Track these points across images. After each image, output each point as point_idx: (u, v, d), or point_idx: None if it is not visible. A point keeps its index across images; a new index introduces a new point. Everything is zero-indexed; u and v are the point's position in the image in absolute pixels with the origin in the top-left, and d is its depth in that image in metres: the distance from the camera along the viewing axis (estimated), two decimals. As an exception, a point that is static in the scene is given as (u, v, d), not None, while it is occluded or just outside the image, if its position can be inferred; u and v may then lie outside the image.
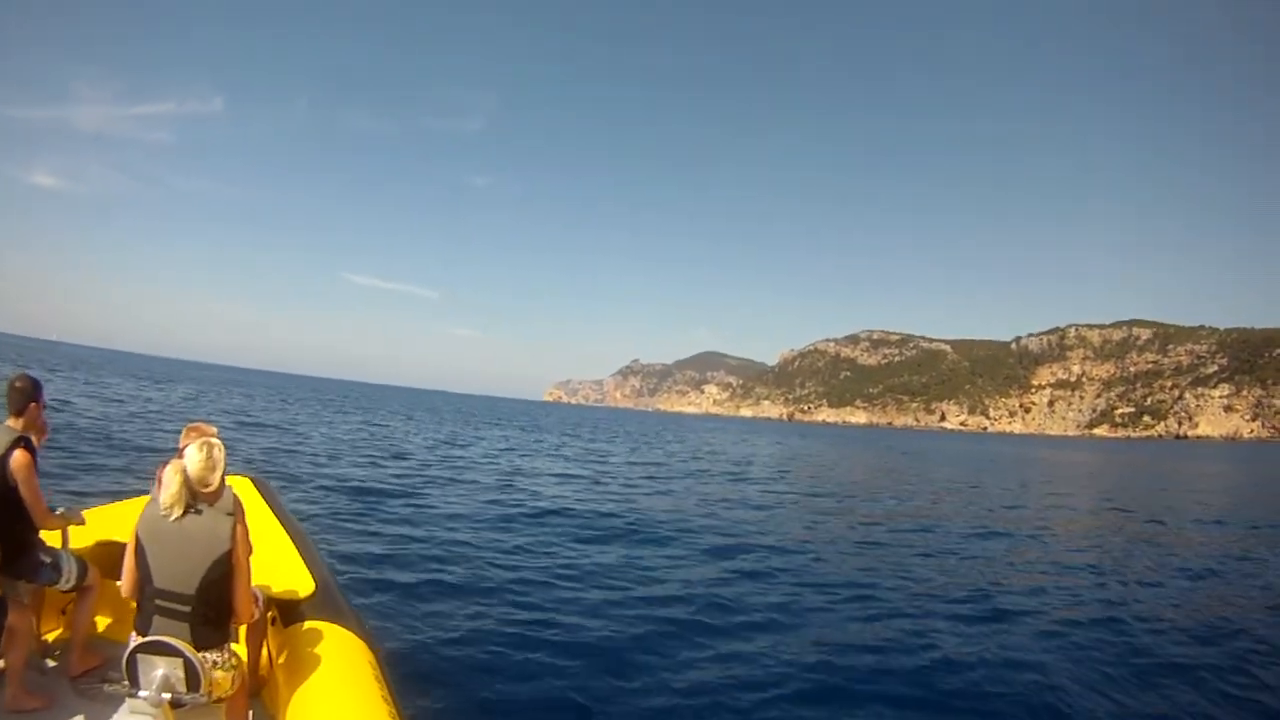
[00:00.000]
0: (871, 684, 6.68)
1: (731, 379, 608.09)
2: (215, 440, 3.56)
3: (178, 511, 3.26)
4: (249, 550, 3.50)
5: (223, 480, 3.50)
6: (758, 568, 11.15)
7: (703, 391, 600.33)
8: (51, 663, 4.45)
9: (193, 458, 3.39)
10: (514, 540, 11.82)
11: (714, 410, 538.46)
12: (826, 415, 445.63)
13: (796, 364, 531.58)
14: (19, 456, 4.00)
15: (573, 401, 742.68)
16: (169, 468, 3.40)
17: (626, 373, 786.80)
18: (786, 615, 8.70)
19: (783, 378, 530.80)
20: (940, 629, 8.40)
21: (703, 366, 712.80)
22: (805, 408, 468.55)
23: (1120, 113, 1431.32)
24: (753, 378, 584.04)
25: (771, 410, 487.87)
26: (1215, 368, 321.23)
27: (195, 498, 3.34)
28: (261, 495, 5.68)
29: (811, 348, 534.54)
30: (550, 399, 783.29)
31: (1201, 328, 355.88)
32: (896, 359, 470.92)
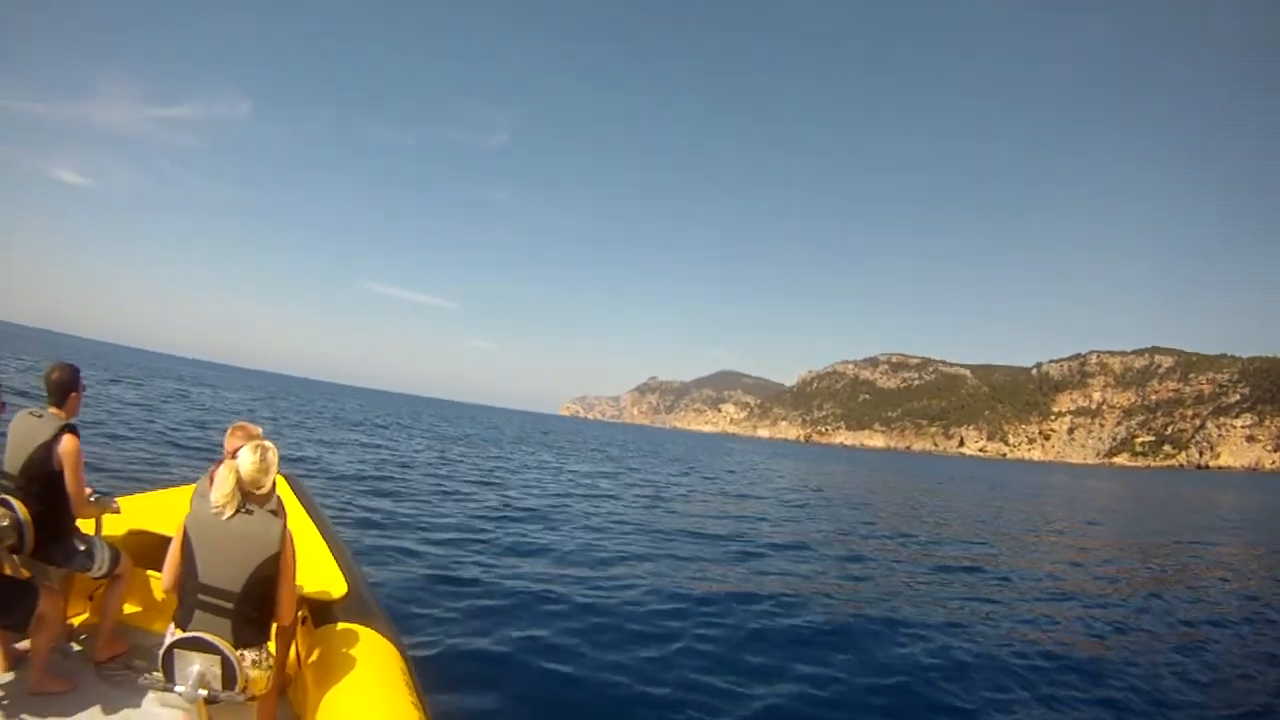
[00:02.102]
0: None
1: (749, 398, 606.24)
2: (268, 443, 3.59)
3: (229, 511, 3.29)
4: (293, 554, 3.51)
5: (274, 483, 3.57)
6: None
7: (720, 410, 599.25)
8: (77, 647, 4.49)
9: (246, 459, 3.42)
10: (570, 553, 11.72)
11: (730, 429, 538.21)
12: (844, 438, 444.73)
13: (815, 385, 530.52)
14: (68, 442, 4.06)
15: (589, 417, 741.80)
16: (222, 467, 3.45)
17: (644, 389, 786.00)
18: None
19: (801, 399, 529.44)
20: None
21: (720, 385, 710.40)
22: (823, 429, 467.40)
23: (1145, 140, 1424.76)
24: (770, 398, 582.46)
25: (789, 431, 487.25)
26: (1237, 397, 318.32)
27: (247, 498, 3.38)
28: (296, 494, 5.66)
29: (830, 369, 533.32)
30: (566, 413, 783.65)
31: (1224, 356, 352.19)
32: (916, 382, 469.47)
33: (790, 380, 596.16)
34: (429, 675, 4.57)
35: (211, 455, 12.89)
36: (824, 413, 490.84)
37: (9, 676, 4.03)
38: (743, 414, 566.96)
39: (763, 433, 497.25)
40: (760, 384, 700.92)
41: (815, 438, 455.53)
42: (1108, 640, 9.30)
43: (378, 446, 28.46)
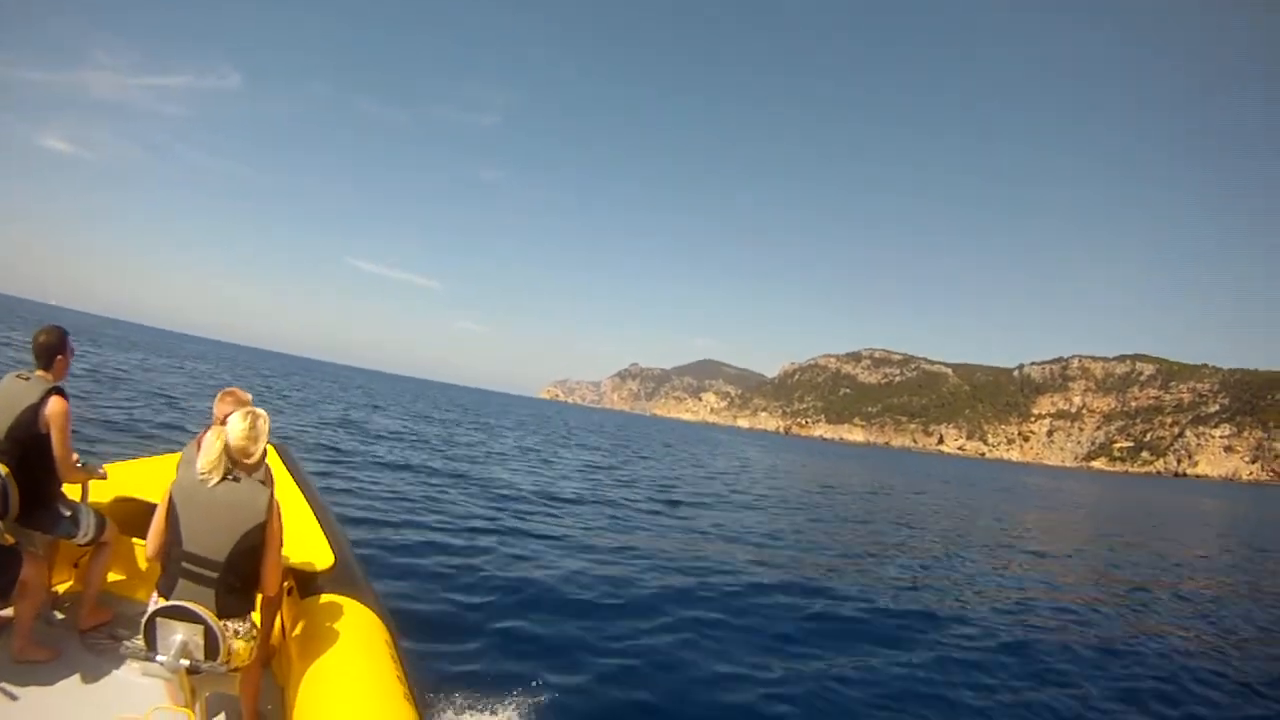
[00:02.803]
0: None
1: (730, 388, 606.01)
2: (259, 410, 3.51)
3: (216, 478, 3.22)
4: (280, 525, 3.43)
5: (264, 452, 3.48)
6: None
7: (700, 399, 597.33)
8: (60, 615, 4.42)
9: (236, 426, 3.34)
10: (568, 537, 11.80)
11: (711, 419, 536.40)
12: (824, 431, 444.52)
13: (796, 377, 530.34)
14: (55, 404, 3.98)
15: (570, 401, 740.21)
16: (210, 433, 3.38)
17: (625, 375, 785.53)
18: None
19: (782, 390, 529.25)
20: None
21: (701, 374, 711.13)
22: (803, 422, 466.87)
23: (1140, 148, 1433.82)
24: (751, 388, 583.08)
25: (769, 422, 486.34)
26: (1216, 407, 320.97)
27: (235, 466, 3.30)
28: (285, 464, 5.55)
29: (812, 362, 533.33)
30: (547, 396, 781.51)
31: (1204, 366, 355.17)
32: (897, 379, 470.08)
33: (772, 372, 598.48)
34: (414, 648, 4.59)
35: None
36: (804, 405, 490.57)
37: None
38: (723, 404, 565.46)
39: (743, 423, 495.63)
40: (741, 374, 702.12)
41: (795, 430, 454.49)
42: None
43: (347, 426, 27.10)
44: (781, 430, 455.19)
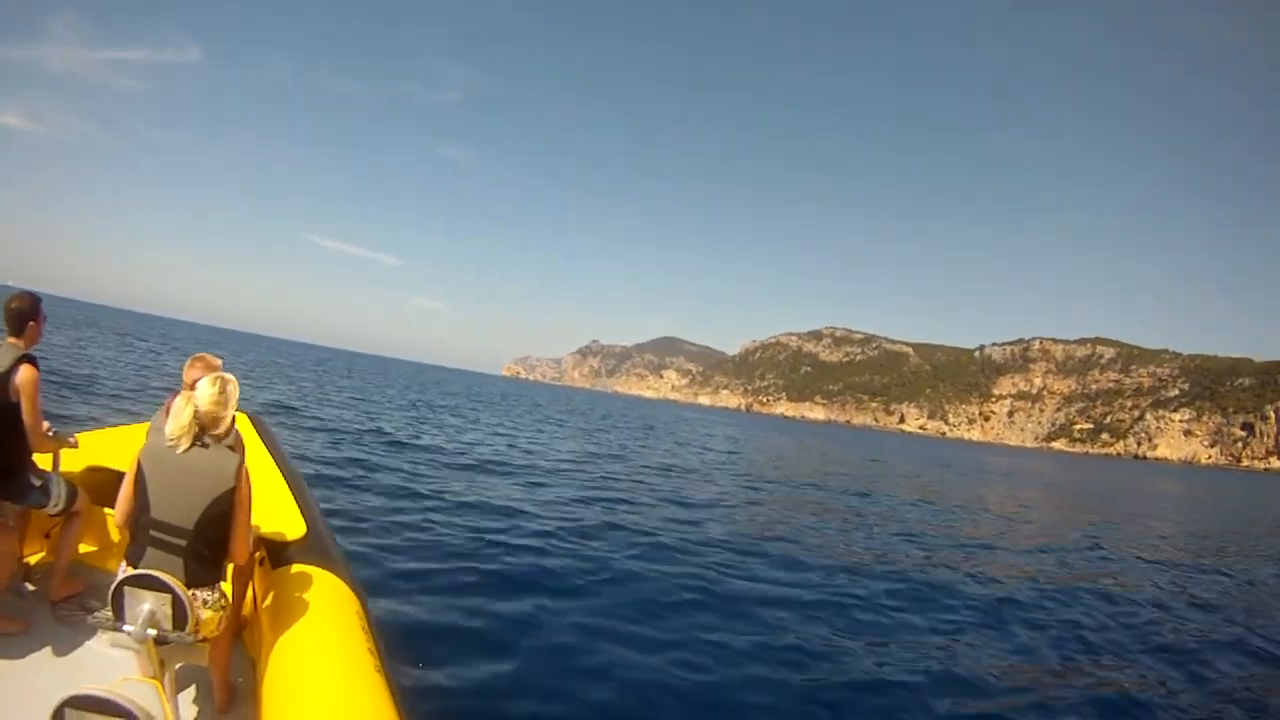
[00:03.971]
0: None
1: (691, 366, 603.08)
2: (228, 376, 3.42)
3: (185, 444, 3.15)
4: (249, 492, 3.38)
5: (233, 418, 3.39)
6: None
7: (662, 376, 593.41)
8: (31, 587, 4.37)
9: (204, 392, 3.25)
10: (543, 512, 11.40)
11: (672, 396, 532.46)
12: (785, 409, 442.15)
13: (757, 355, 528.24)
14: (25, 372, 3.89)
15: (531, 378, 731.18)
16: (179, 398, 3.28)
17: (585, 353, 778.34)
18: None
19: (743, 368, 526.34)
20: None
21: (662, 351, 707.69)
22: (764, 399, 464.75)
23: (1105, 135, 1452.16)
24: (712, 366, 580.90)
25: (730, 400, 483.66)
26: (1176, 391, 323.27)
27: (204, 432, 3.23)
28: (259, 434, 5.53)
29: (773, 340, 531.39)
30: (509, 374, 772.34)
31: (1165, 351, 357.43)
32: (859, 357, 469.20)
33: (733, 349, 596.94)
34: (385, 620, 4.65)
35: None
36: (765, 383, 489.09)
37: None
38: (684, 381, 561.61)
39: (704, 400, 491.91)
40: (703, 352, 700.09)
41: (756, 407, 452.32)
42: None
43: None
44: (743, 408, 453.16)
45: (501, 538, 9.12)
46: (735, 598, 7.96)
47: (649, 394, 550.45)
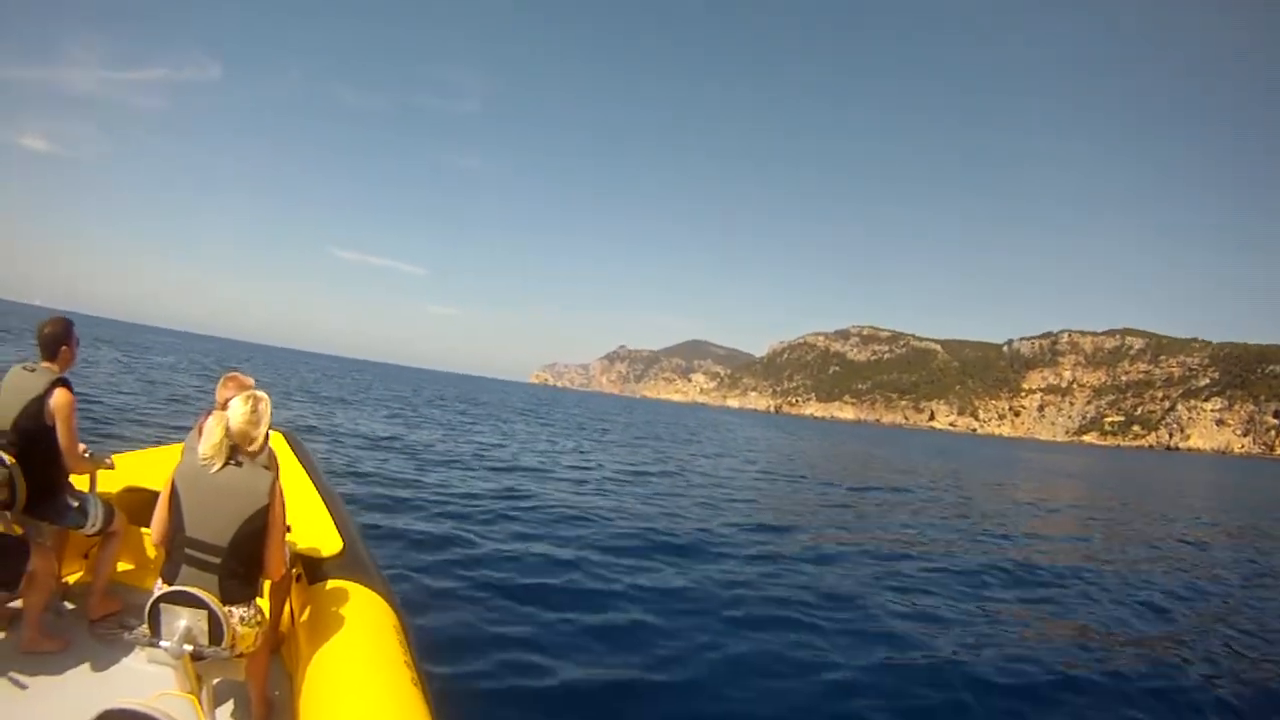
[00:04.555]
0: None
1: (719, 368, 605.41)
2: (260, 394, 3.49)
3: (218, 463, 3.21)
4: (283, 509, 3.42)
5: (266, 436, 3.45)
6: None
7: (690, 380, 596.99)
8: (70, 605, 4.42)
9: (237, 411, 3.32)
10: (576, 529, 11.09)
11: (700, 399, 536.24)
12: (815, 409, 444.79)
13: (785, 356, 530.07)
14: (60, 395, 3.98)
15: (559, 385, 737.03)
16: (212, 418, 3.34)
17: (613, 358, 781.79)
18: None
19: (771, 369, 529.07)
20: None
21: (690, 355, 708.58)
22: (793, 400, 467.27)
23: (1125, 126, 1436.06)
24: (740, 368, 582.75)
25: (759, 402, 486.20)
26: (1207, 381, 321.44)
27: (237, 451, 3.28)
28: (294, 450, 5.54)
29: (800, 340, 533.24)
30: (537, 381, 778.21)
31: (1194, 340, 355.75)
32: (887, 356, 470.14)
33: (760, 351, 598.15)
34: (423, 635, 4.60)
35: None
36: (794, 384, 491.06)
37: (2, 635, 3.98)
38: (713, 384, 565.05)
39: (733, 403, 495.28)
40: (730, 354, 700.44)
41: (785, 409, 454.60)
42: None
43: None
44: (772, 409, 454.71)
45: (559, 552, 9.22)
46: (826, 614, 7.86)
47: (677, 398, 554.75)
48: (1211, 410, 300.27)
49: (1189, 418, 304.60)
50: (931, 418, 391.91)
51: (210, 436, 3.23)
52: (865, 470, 30.86)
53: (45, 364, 4.10)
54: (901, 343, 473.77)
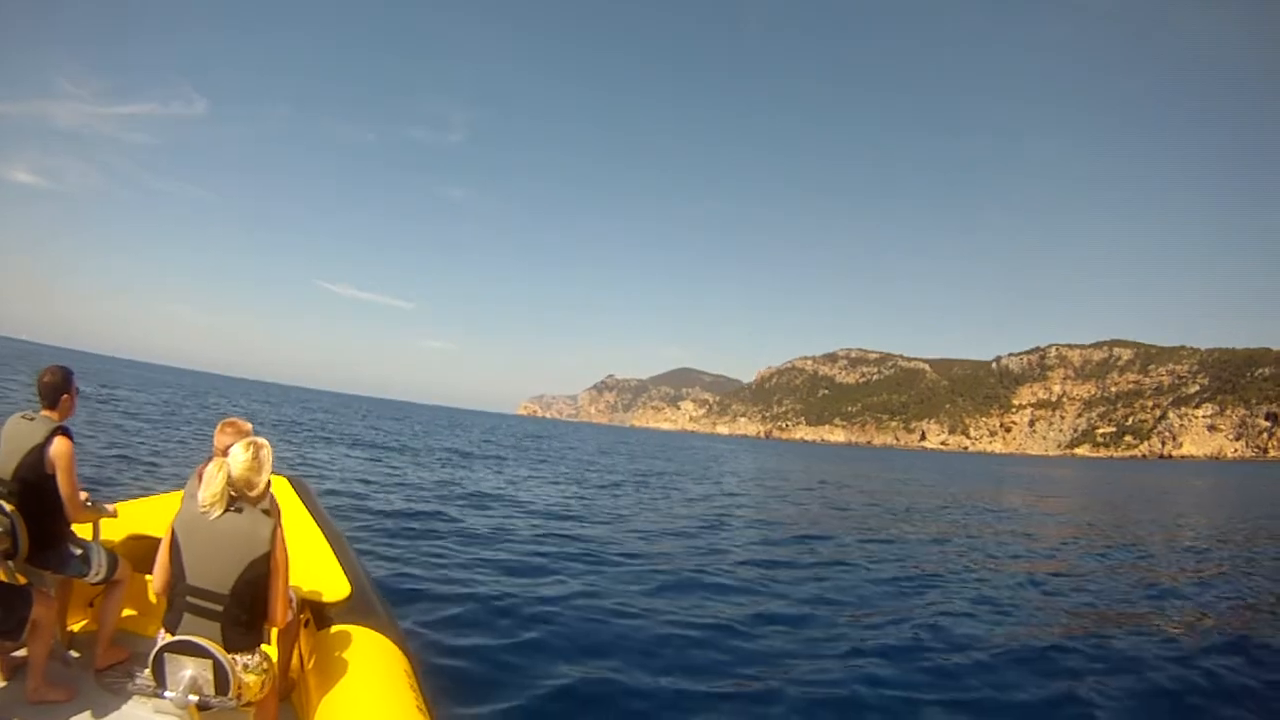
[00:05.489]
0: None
1: (708, 395, 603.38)
2: (261, 440, 3.47)
3: (218, 510, 3.19)
4: (286, 555, 3.39)
5: (268, 482, 3.44)
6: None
7: (679, 408, 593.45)
8: (75, 654, 4.38)
9: (238, 457, 3.31)
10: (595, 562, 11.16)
11: (690, 427, 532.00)
12: (805, 433, 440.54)
13: (774, 381, 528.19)
14: (60, 444, 3.98)
15: (547, 416, 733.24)
16: (212, 465, 3.32)
17: (601, 388, 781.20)
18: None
19: (760, 395, 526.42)
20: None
21: (678, 383, 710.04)
22: (783, 425, 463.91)
23: (1102, 133, 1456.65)
24: (729, 395, 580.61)
25: (749, 428, 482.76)
26: (1197, 387, 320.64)
27: (238, 497, 3.27)
28: (299, 496, 5.56)
29: (789, 365, 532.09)
30: (525, 413, 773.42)
31: (1182, 348, 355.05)
32: (875, 377, 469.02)
33: (748, 377, 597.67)
34: (435, 679, 4.65)
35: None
36: (784, 409, 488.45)
37: (6, 685, 3.98)
38: (702, 411, 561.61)
39: (722, 429, 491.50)
40: (718, 381, 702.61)
41: (776, 434, 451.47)
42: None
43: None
44: (762, 435, 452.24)
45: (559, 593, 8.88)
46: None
47: (667, 426, 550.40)
48: (1203, 416, 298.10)
49: (1181, 425, 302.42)
50: (923, 437, 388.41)
51: (211, 484, 3.20)
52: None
53: (45, 412, 4.10)
54: (890, 364, 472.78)
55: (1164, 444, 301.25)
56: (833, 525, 17.90)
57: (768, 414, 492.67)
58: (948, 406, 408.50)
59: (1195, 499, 35.74)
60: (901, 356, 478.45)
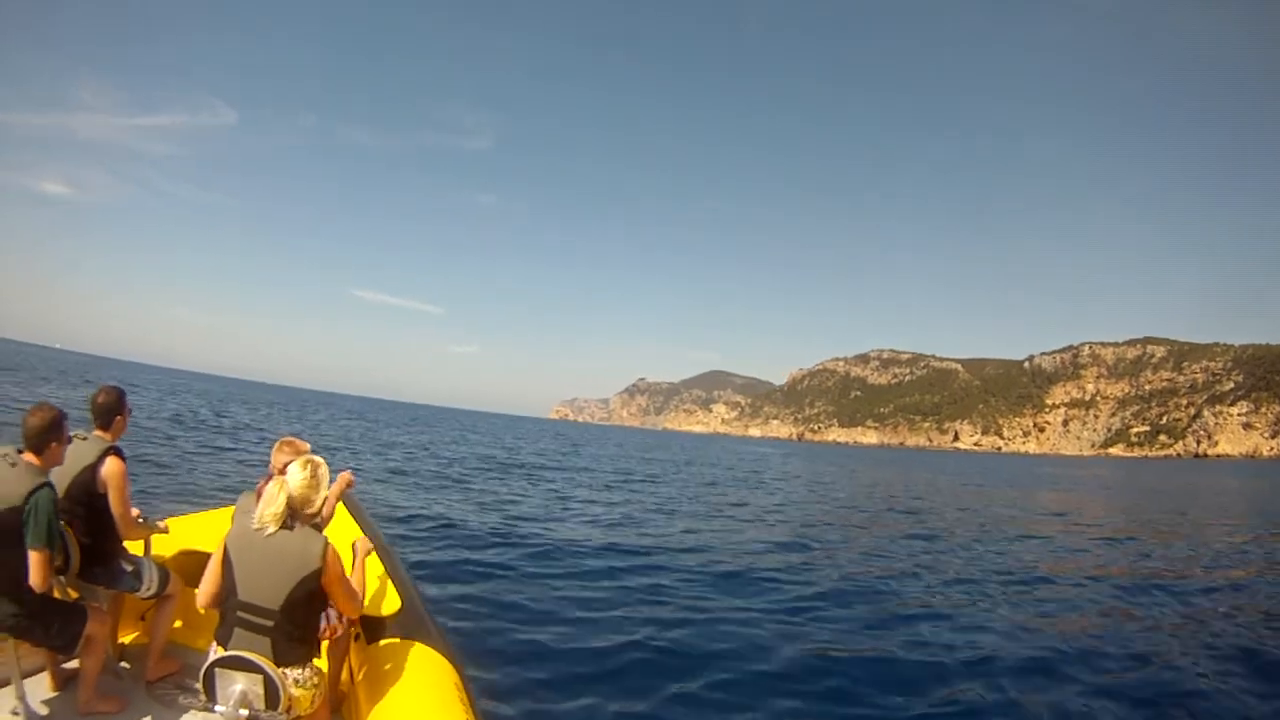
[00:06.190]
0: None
1: (739, 398, 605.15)
2: (318, 459, 3.51)
3: (273, 528, 3.23)
4: (342, 568, 3.41)
5: (324, 500, 3.49)
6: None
7: (710, 411, 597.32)
8: (126, 665, 4.46)
9: (295, 476, 3.36)
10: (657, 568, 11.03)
11: (722, 430, 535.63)
12: (837, 435, 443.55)
13: (805, 383, 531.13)
14: (112, 464, 4.06)
15: (579, 420, 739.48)
16: (272, 484, 3.38)
17: (633, 391, 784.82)
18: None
19: (792, 397, 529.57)
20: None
21: (709, 385, 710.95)
22: (815, 427, 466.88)
23: (1134, 130, 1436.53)
24: (761, 397, 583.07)
25: (780, 430, 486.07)
26: (1231, 385, 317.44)
27: (295, 516, 3.31)
28: (349, 511, 5.52)
29: (820, 367, 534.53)
30: (556, 416, 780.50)
31: (1216, 345, 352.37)
32: (907, 378, 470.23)
33: (780, 379, 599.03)
34: (487, 694, 4.55)
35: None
36: (815, 410, 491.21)
37: (59, 696, 4.03)
38: (733, 414, 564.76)
39: (754, 432, 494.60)
40: (750, 383, 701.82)
41: (808, 436, 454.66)
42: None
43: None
44: (794, 437, 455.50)
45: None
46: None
47: (699, 429, 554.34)
48: (1238, 414, 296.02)
49: (1215, 423, 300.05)
50: (955, 438, 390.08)
51: (273, 503, 3.25)
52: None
53: (98, 432, 4.20)
54: (922, 364, 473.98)
55: (1199, 443, 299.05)
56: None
57: (800, 416, 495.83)
58: (980, 407, 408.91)
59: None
60: (934, 357, 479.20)
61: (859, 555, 13.49)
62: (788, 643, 7.57)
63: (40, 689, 4.04)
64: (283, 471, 3.56)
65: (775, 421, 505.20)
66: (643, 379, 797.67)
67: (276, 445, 4.20)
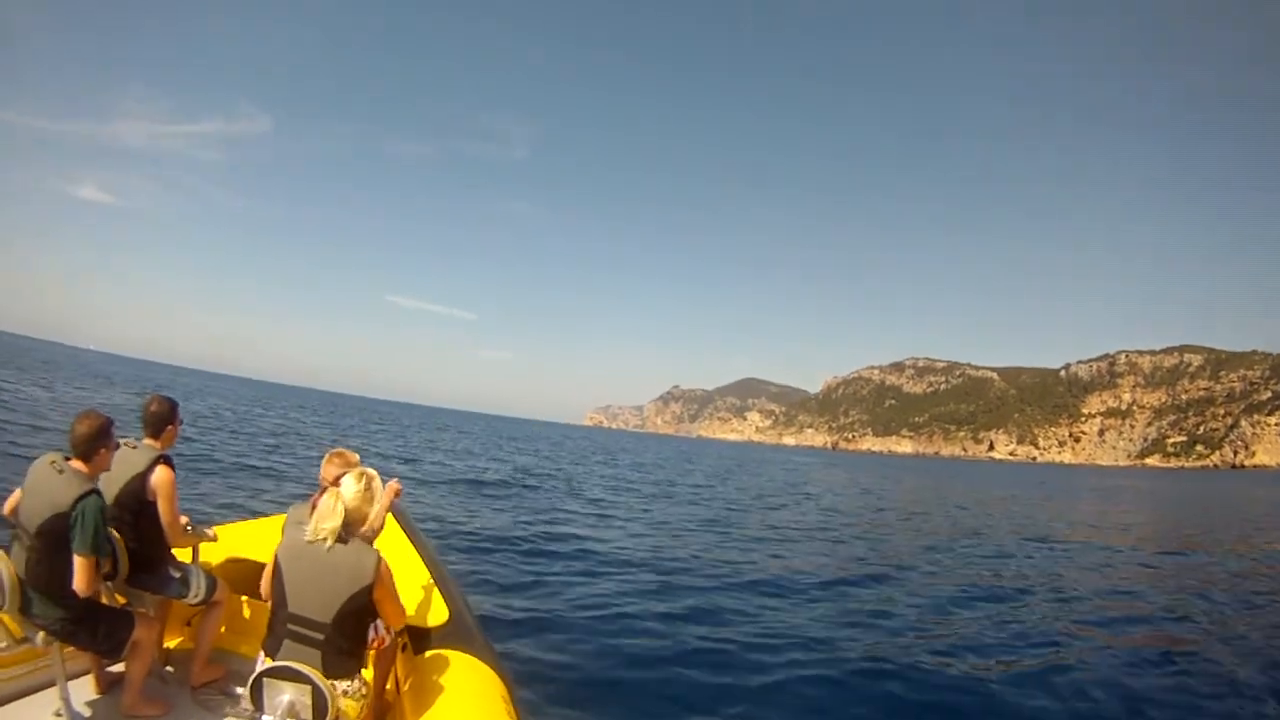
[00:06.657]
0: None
1: (774, 406, 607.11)
2: (371, 471, 3.48)
3: (330, 541, 3.19)
4: (393, 582, 3.41)
5: (377, 513, 3.48)
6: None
7: (745, 419, 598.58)
8: (171, 669, 4.53)
9: (350, 489, 3.33)
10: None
11: (756, 438, 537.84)
12: (872, 444, 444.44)
13: (840, 391, 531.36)
14: (161, 473, 4.11)
15: (613, 427, 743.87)
16: (327, 496, 3.33)
17: (667, 399, 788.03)
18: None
19: (826, 405, 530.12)
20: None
21: (744, 393, 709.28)
22: (850, 436, 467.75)
23: (1168, 138, 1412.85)
24: (795, 405, 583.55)
25: (815, 439, 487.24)
26: (1269, 394, 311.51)
27: (347, 529, 3.26)
28: (398, 522, 5.60)
29: (855, 375, 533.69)
30: (591, 423, 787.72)
31: (1254, 353, 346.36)
32: (943, 387, 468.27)
33: (815, 387, 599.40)
34: (532, 708, 4.55)
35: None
36: (850, 419, 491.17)
37: (103, 699, 4.07)
38: (768, 422, 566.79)
39: (789, 440, 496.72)
40: (784, 391, 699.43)
41: (842, 445, 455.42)
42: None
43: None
44: (829, 446, 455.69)
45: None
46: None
47: (733, 437, 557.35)
48: (1276, 424, 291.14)
49: (1253, 433, 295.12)
50: (991, 448, 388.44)
51: (329, 516, 3.22)
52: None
53: (149, 441, 4.26)
54: (957, 373, 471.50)
55: (1236, 454, 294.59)
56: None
57: (834, 424, 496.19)
58: (1016, 416, 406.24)
59: None
60: (969, 365, 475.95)
61: (937, 570, 13.43)
62: (852, 661, 7.37)
63: (85, 691, 4.09)
64: (335, 483, 3.46)
65: (810, 430, 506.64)
66: (677, 386, 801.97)
67: (326, 457, 4.17)
